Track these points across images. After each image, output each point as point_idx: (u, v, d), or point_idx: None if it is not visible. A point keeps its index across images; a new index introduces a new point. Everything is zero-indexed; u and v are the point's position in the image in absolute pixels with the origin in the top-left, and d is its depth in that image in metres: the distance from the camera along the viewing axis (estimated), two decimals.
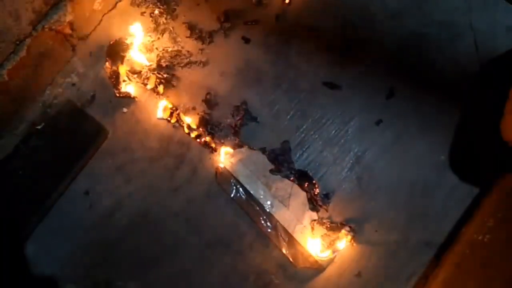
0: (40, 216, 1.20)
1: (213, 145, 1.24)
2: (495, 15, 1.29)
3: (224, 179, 1.20)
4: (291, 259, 1.14)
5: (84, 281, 1.18)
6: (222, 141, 1.24)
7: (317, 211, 1.17)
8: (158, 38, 1.33)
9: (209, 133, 1.24)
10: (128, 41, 1.30)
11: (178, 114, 1.26)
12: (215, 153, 1.23)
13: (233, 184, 1.19)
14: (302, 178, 1.20)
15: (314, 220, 1.16)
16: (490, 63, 1.25)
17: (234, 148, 1.23)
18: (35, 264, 1.18)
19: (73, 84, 1.28)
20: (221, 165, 1.21)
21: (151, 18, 1.34)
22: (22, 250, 1.18)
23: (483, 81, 1.25)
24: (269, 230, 1.16)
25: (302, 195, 1.18)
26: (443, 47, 1.28)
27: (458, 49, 1.28)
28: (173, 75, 1.29)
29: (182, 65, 1.30)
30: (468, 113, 1.24)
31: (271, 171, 1.21)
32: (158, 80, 1.28)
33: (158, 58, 1.30)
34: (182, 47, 1.32)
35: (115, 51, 1.29)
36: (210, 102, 1.27)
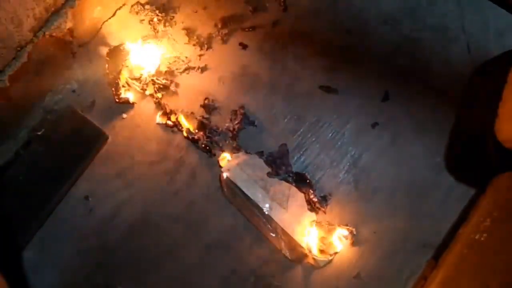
0: (40, 221, 1.21)
1: (211, 149, 1.25)
2: (487, 19, 1.32)
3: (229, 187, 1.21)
4: (290, 258, 1.15)
5: (84, 286, 1.18)
6: (221, 145, 1.25)
7: (316, 213, 1.18)
8: (157, 45, 1.35)
9: (208, 137, 1.26)
10: (127, 48, 1.32)
11: (177, 119, 1.28)
12: (214, 157, 1.25)
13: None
14: (300, 181, 1.21)
15: (313, 221, 1.16)
16: (483, 65, 1.28)
17: (232, 152, 1.24)
18: (35, 270, 1.18)
19: (73, 91, 1.30)
20: (225, 175, 1.22)
21: (150, 25, 1.36)
22: (21, 256, 1.18)
23: (476, 83, 1.27)
24: (268, 232, 1.17)
25: (300, 197, 1.19)
26: (436, 50, 1.31)
27: (451, 52, 1.30)
28: (171, 80, 1.31)
29: (180, 71, 1.33)
30: (462, 114, 1.25)
31: (269, 174, 1.22)
32: (157, 85, 1.30)
33: (157, 64, 1.32)
34: (181, 53, 1.34)
35: (114, 58, 1.31)
36: (208, 107, 1.29)
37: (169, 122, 1.27)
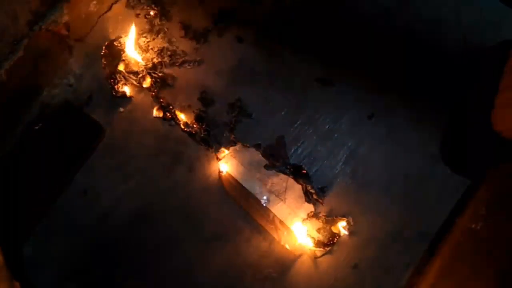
0: (39, 215, 1.21)
1: (209, 142, 1.25)
2: (482, 11, 1.32)
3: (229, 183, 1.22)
4: (288, 249, 1.15)
5: (84, 279, 1.18)
6: (218, 138, 1.25)
7: (313, 204, 1.19)
8: (153, 39, 1.35)
9: (205, 130, 1.26)
10: (123, 42, 1.32)
11: (174, 112, 1.28)
12: (212, 150, 1.25)
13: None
14: (297, 172, 1.22)
15: (311, 213, 1.17)
16: (479, 57, 1.28)
17: (230, 145, 1.24)
18: (35, 264, 1.18)
19: (70, 85, 1.30)
20: (223, 168, 1.22)
21: (146, 19, 1.36)
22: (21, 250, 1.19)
23: (472, 74, 1.28)
24: (266, 224, 1.17)
25: (298, 188, 1.20)
26: (432, 42, 1.31)
27: (447, 44, 1.31)
28: (168, 74, 1.31)
29: (177, 64, 1.33)
30: (458, 105, 1.26)
31: (266, 166, 1.23)
32: (153, 79, 1.30)
33: (154, 58, 1.32)
34: (177, 47, 1.34)
35: (111, 52, 1.32)
36: (205, 100, 1.29)
37: (166, 116, 1.28)
